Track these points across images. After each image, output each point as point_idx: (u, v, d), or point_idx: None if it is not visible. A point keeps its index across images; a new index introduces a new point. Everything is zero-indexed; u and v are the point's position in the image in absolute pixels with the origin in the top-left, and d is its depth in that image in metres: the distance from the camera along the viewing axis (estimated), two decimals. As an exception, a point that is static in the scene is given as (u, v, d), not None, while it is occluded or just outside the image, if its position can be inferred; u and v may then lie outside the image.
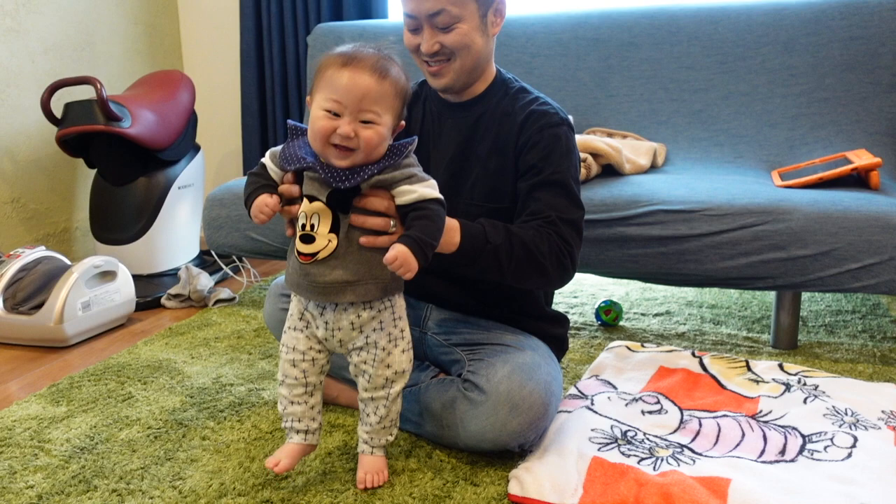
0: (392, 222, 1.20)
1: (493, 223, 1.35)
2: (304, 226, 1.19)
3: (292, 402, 1.29)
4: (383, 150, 1.19)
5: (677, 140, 2.39)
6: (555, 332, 1.58)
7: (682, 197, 1.89)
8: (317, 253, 1.18)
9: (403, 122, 1.25)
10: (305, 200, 1.20)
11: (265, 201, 1.19)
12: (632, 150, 2.18)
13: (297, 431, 1.30)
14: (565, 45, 2.55)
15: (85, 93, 2.61)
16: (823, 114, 2.29)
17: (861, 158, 1.98)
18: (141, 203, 2.60)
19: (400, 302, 1.29)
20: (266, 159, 1.27)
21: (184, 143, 2.71)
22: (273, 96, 3.19)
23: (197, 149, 2.83)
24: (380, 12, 3.04)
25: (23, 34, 2.64)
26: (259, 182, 1.25)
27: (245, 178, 2.30)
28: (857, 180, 2.04)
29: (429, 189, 1.20)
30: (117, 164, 2.56)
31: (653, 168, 2.25)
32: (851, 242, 1.76)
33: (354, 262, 1.19)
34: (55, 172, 2.80)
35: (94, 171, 2.68)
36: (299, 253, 1.20)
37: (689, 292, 2.51)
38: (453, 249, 1.29)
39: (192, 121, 2.77)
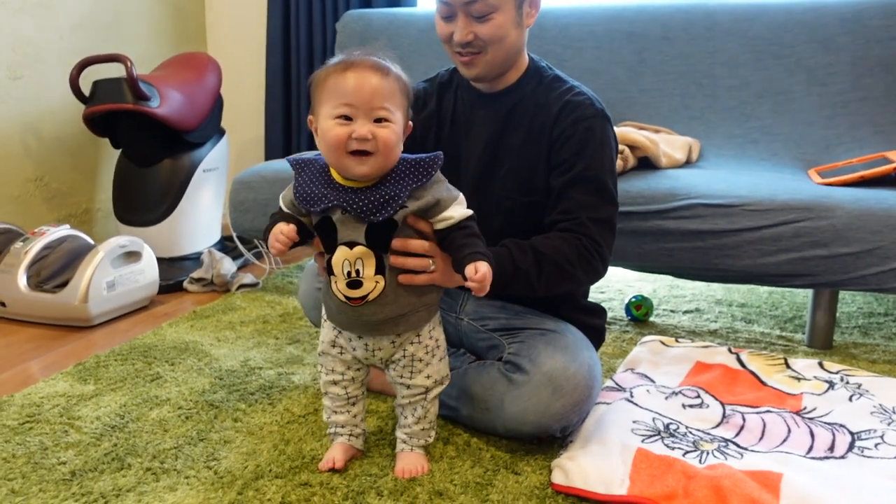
0: (431, 262, 1.19)
1: (520, 245, 1.32)
2: (349, 273, 1.17)
3: (335, 412, 1.32)
4: (399, 152, 1.16)
5: (711, 136, 2.36)
6: (592, 323, 1.55)
7: (721, 191, 1.86)
8: (366, 295, 1.17)
9: (411, 124, 1.22)
10: (344, 248, 1.16)
11: (281, 230, 1.18)
12: (668, 144, 2.15)
13: (341, 435, 1.32)
14: (599, 37, 2.52)
15: (112, 72, 2.58)
16: (861, 113, 2.26)
17: (903, 158, 1.95)
18: (165, 185, 2.57)
19: (437, 314, 1.29)
20: (282, 204, 1.24)
21: (210, 125, 2.68)
22: (298, 83, 3.16)
23: (222, 132, 2.80)
24: (409, 0, 3.01)
25: (52, 9, 2.62)
26: (278, 218, 1.22)
27: (266, 163, 2.28)
28: (897, 180, 2.01)
29: (461, 208, 1.19)
30: (143, 144, 2.54)
31: (687, 163, 2.22)
32: (895, 241, 1.73)
33: (404, 296, 1.19)
34: (79, 151, 2.77)
35: (117, 152, 2.66)
36: (349, 298, 1.18)
37: (718, 290, 2.48)
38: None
39: (218, 104, 2.75)
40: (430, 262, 1.19)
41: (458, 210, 1.19)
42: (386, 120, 1.13)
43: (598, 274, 1.38)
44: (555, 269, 1.31)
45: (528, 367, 1.32)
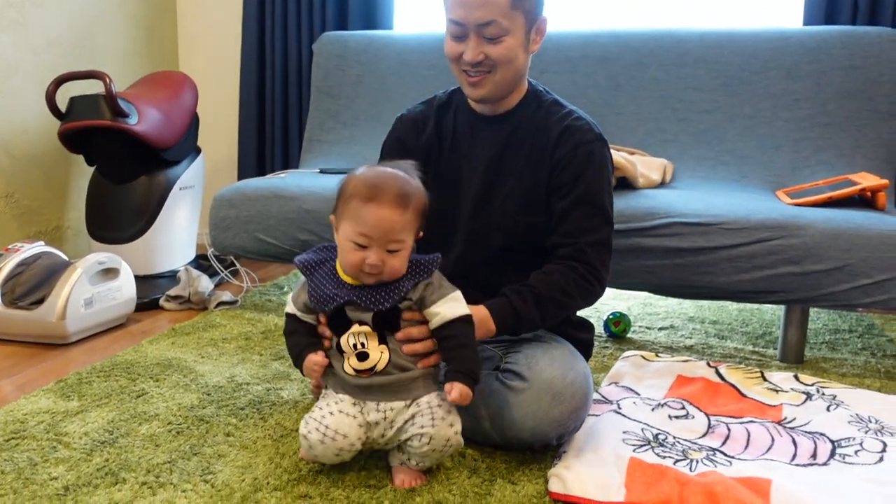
0: (433, 343, 1.28)
1: (520, 293, 1.38)
2: (355, 345, 1.25)
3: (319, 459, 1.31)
4: (406, 264, 1.26)
5: (683, 159, 2.44)
6: (581, 337, 1.59)
7: (699, 210, 1.92)
8: (374, 366, 1.25)
9: (421, 233, 1.29)
10: (354, 325, 1.26)
11: (314, 360, 1.28)
12: (644, 165, 2.22)
13: None
14: (574, 62, 2.59)
15: (87, 88, 2.56)
16: (825, 138, 2.36)
17: (867, 180, 2.04)
18: (141, 203, 2.55)
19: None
20: (292, 310, 1.33)
21: (187, 143, 2.68)
22: (273, 103, 3.17)
23: (198, 151, 2.79)
24: (385, 23, 3.06)
25: (27, 27, 2.60)
26: (301, 343, 1.31)
27: (247, 181, 2.29)
28: (861, 202, 2.10)
29: (455, 305, 1.26)
30: (119, 161, 2.52)
31: (662, 184, 2.29)
32: (864, 259, 1.81)
33: (408, 363, 1.26)
34: (51, 169, 2.74)
35: (90, 170, 2.63)
36: (358, 371, 1.26)
37: (690, 308, 2.54)
38: (492, 335, 1.36)
39: (194, 122, 2.74)
40: (433, 343, 1.27)
41: (451, 308, 1.25)
42: (398, 250, 1.22)
43: (597, 296, 1.46)
44: (555, 305, 1.40)
45: (527, 374, 1.35)
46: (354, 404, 1.27)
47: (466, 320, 1.26)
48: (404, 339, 1.26)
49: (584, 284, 1.41)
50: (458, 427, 1.27)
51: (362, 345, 1.25)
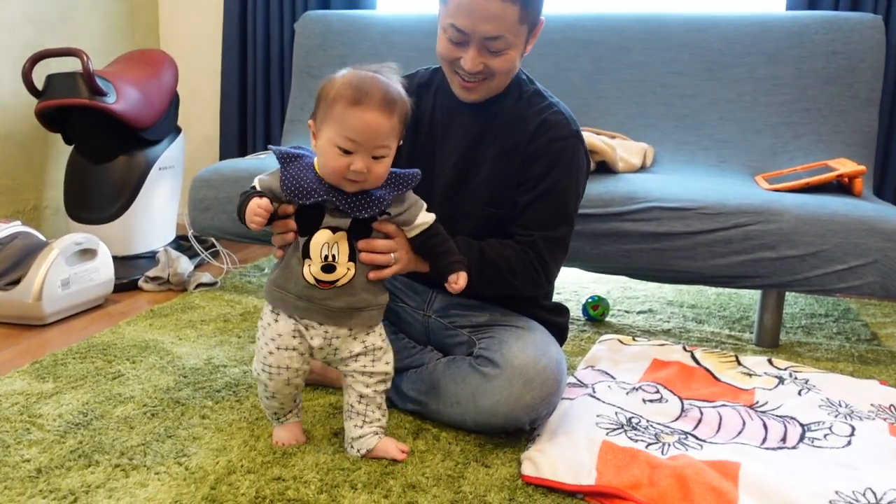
0: (393, 255, 1.28)
1: (469, 243, 1.39)
2: (325, 256, 1.23)
3: (281, 405, 1.36)
4: (388, 173, 1.26)
5: (664, 143, 2.45)
6: (556, 321, 1.59)
7: (677, 195, 1.93)
8: (336, 280, 1.24)
9: (401, 141, 1.28)
10: (326, 231, 1.23)
11: (258, 203, 1.20)
12: (624, 149, 2.22)
13: (289, 417, 1.39)
14: (557, 45, 2.58)
15: (66, 66, 2.53)
16: (805, 123, 2.37)
17: (844, 166, 2.05)
18: (120, 182, 2.53)
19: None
20: (258, 186, 1.26)
21: (166, 123, 2.65)
22: (255, 83, 3.15)
23: (178, 130, 2.77)
24: (368, 2, 3.03)
25: (2, 3, 2.55)
26: (249, 192, 1.26)
27: (226, 161, 2.26)
28: (838, 188, 2.12)
29: (427, 214, 1.32)
30: (98, 140, 2.49)
31: (642, 168, 2.29)
32: (838, 244, 1.82)
33: (362, 291, 1.27)
34: (28, 148, 2.71)
35: (68, 149, 2.60)
36: (320, 281, 1.24)
37: (669, 292, 2.56)
38: (427, 269, 1.37)
39: (174, 101, 2.72)
40: (392, 255, 1.28)
41: (425, 216, 1.31)
42: (383, 156, 1.21)
43: (540, 288, 1.47)
44: (495, 274, 1.40)
45: (499, 360, 1.36)
46: (294, 334, 1.28)
47: (437, 221, 1.33)
48: (367, 248, 1.25)
49: (531, 270, 1.41)
50: (392, 361, 1.34)
51: (333, 257, 1.23)
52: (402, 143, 1.28)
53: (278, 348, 1.29)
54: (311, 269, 1.23)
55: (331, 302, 1.25)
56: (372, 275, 1.27)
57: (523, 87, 1.48)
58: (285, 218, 1.25)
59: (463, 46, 1.36)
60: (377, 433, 1.33)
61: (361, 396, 1.32)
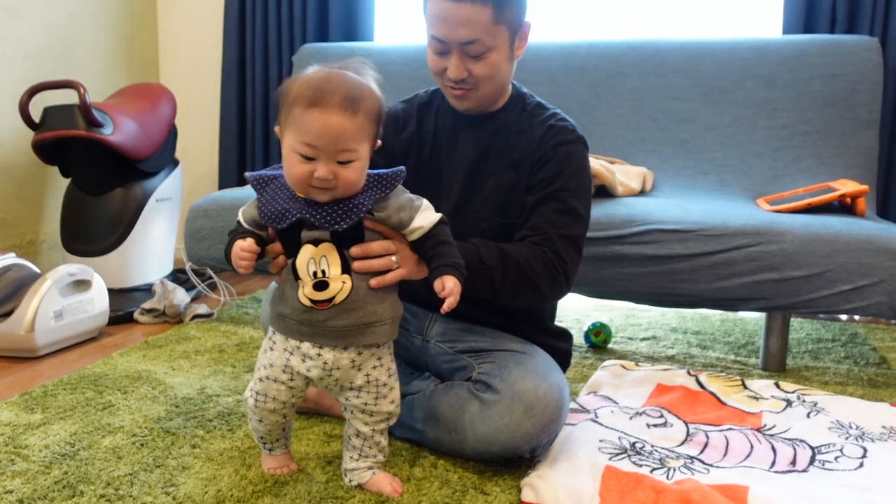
0: (394, 258, 1.18)
1: (487, 244, 1.34)
2: (315, 273, 1.14)
3: (269, 433, 1.30)
4: (363, 179, 1.15)
5: (664, 168, 2.43)
6: (559, 346, 1.56)
7: (677, 217, 1.90)
8: (333, 297, 1.15)
9: (380, 141, 1.20)
10: (309, 246, 1.15)
11: (241, 246, 1.15)
12: (623, 174, 2.20)
13: (277, 447, 1.33)
14: (553, 73, 2.58)
15: (63, 99, 2.53)
16: (805, 146, 2.35)
17: (846, 186, 2.03)
18: (117, 214, 2.51)
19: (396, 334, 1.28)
20: (241, 220, 1.21)
21: (164, 155, 2.64)
22: (254, 115, 3.15)
23: (176, 163, 2.76)
24: (366, 34, 3.04)
25: (2, 38, 2.57)
26: (235, 231, 1.21)
27: (222, 191, 2.25)
28: (841, 208, 2.09)
29: (429, 214, 1.20)
30: (95, 172, 2.48)
31: (642, 192, 2.27)
32: (843, 265, 1.79)
33: (369, 303, 1.17)
34: (25, 181, 2.70)
35: (65, 182, 2.59)
36: (316, 302, 1.15)
37: (673, 319, 2.52)
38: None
39: (172, 134, 2.71)
40: (393, 259, 1.18)
41: (426, 217, 1.19)
42: (350, 160, 1.11)
43: (562, 289, 1.38)
44: (519, 273, 1.32)
45: (499, 386, 1.31)
46: (285, 369, 1.21)
47: (443, 222, 1.21)
48: (362, 254, 1.16)
49: (551, 269, 1.34)
50: (398, 398, 1.26)
51: (323, 272, 1.14)
52: (380, 143, 1.19)
53: (267, 377, 1.23)
54: (305, 291, 1.15)
55: (334, 322, 1.15)
56: (374, 282, 1.16)
57: (526, 100, 1.49)
58: (272, 244, 1.21)
59: (446, 56, 1.36)
60: (371, 468, 1.27)
61: (359, 433, 1.26)
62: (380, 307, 1.18)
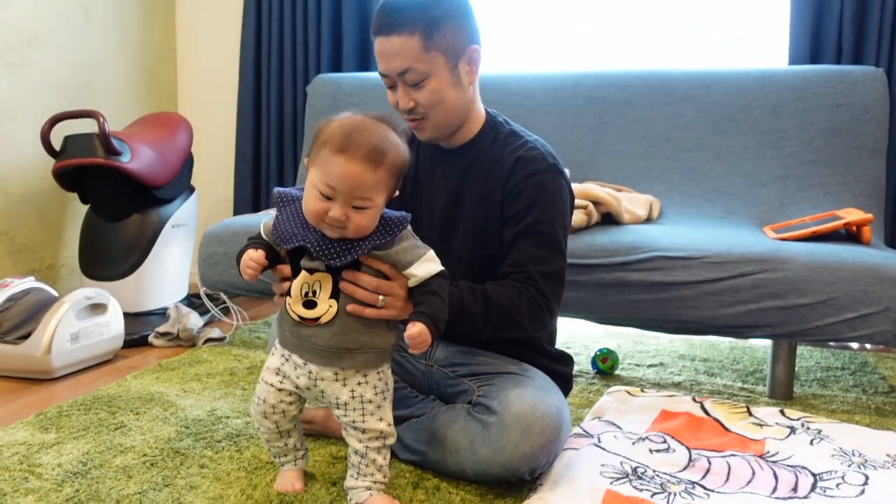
0: (381, 298, 1.21)
1: (472, 288, 1.37)
2: (305, 293, 1.22)
3: (269, 441, 1.35)
4: (374, 225, 1.21)
5: (671, 196, 2.45)
6: (559, 370, 1.57)
7: (681, 244, 1.92)
8: (319, 318, 1.21)
9: (398, 192, 1.25)
10: (305, 273, 1.22)
11: (250, 255, 1.22)
12: (630, 201, 2.23)
13: (287, 462, 1.38)
14: (562, 102, 2.63)
15: (84, 128, 2.60)
16: (811, 175, 2.37)
17: (852, 215, 2.04)
18: (133, 240, 2.57)
19: (388, 361, 1.31)
20: (262, 231, 1.29)
21: (180, 182, 2.71)
22: (268, 144, 3.21)
23: (192, 190, 2.82)
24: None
25: (26, 69, 2.65)
26: (250, 241, 1.28)
27: (236, 217, 2.29)
28: (847, 237, 2.10)
29: (429, 266, 1.23)
30: (112, 199, 2.55)
31: (648, 220, 2.29)
32: (848, 292, 1.80)
33: (352, 330, 1.22)
34: (46, 208, 2.77)
35: (84, 209, 2.66)
36: (303, 318, 1.22)
37: (681, 346, 2.52)
38: None
39: (188, 161, 2.78)
40: (380, 298, 1.21)
41: (424, 268, 1.22)
42: (364, 207, 1.17)
43: (545, 325, 1.43)
44: (503, 315, 1.36)
45: (497, 408, 1.33)
46: (277, 371, 1.28)
47: (442, 276, 1.24)
48: (351, 280, 1.21)
49: (535, 308, 1.37)
50: (390, 419, 1.28)
51: (313, 293, 1.22)
52: (397, 193, 1.25)
53: (262, 379, 1.31)
54: (295, 307, 1.23)
55: (316, 339, 1.22)
56: (350, 307, 1.20)
57: (499, 129, 1.50)
58: (283, 265, 1.27)
59: (395, 90, 1.41)
60: (370, 488, 1.29)
61: (356, 450, 1.28)
62: (362, 336, 1.22)
